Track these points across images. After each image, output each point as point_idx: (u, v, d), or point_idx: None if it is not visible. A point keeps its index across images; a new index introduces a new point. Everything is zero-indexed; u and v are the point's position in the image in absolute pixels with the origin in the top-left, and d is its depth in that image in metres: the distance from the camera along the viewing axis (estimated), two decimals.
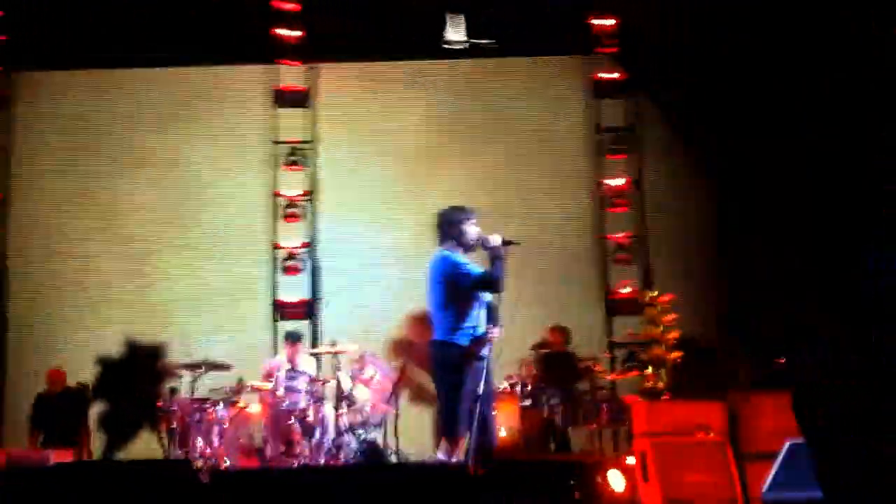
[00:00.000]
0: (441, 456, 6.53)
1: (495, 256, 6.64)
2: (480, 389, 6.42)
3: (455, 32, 11.47)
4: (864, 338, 7.92)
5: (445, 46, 11.60)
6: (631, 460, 8.75)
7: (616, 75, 11.70)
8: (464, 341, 6.59)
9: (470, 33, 11.66)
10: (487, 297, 6.81)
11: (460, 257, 6.81)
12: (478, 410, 6.37)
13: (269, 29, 11.47)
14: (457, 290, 6.66)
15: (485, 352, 6.58)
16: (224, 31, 11.32)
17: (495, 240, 6.68)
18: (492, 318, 6.68)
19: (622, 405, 9.82)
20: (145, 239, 11.53)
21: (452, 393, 6.49)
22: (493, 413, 6.86)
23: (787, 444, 6.52)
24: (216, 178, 11.67)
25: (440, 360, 6.67)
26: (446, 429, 6.58)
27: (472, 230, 6.86)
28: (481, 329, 6.66)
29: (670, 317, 10.15)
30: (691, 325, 10.28)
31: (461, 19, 11.36)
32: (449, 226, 6.92)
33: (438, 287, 6.75)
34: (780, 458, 6.47)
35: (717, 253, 11.32)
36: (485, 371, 6.54)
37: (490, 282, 6.64)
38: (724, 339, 10.57)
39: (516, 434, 9.65)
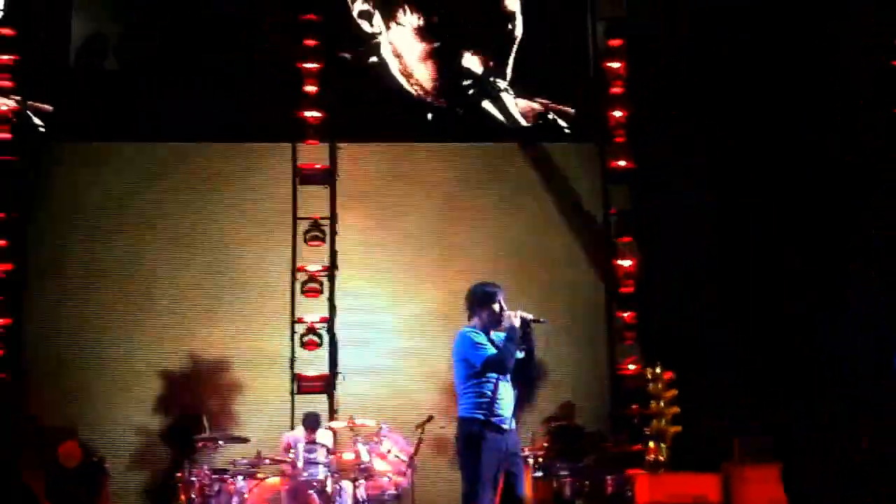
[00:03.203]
0: None
1: (510, 338, 6.96)
2: (497, 466, 6.82)
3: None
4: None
5: None
6: None
7: (624, 163, 13.01)
8: (485, 416, 6.92)
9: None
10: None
11: (479, 336, 7.09)
12: (500, 485, 6.81)
13: (293, 110, 12.72)
14: (474, 368, 7.00)
15: (508, 426, 7.00)
16: (250, 110, 12.61)
17: (513, 320, 6.99)
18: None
19: (626, 477, 10.98)
20: (168, 312, 12.55)
21: (472, 468, 6.83)
22: (522, 490, 7.06)
23: None
24: (240, 253, 12.72)
25: (462, 435, 6.99)
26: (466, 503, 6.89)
27: (497, 307, 7.17)
28: (505, 403, 6.98)
29: (670, 393, 11.50)
30: (690, 400, 11.54)
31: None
32: (476, 303, 7.26)
33: (458, 365, 7.12)
34: None
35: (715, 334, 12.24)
36: (506, 445, 6.93)
37: (496, 364, 6.95)
38: (720, 414, 11.43)
39: None
